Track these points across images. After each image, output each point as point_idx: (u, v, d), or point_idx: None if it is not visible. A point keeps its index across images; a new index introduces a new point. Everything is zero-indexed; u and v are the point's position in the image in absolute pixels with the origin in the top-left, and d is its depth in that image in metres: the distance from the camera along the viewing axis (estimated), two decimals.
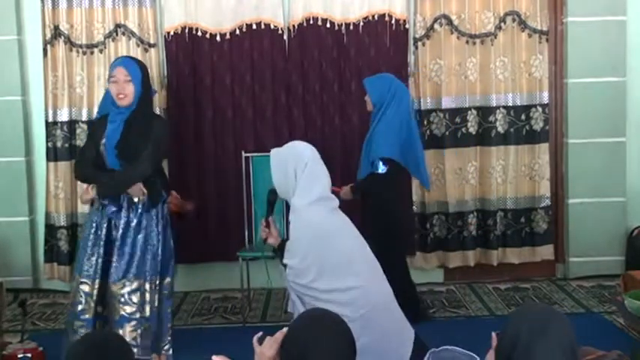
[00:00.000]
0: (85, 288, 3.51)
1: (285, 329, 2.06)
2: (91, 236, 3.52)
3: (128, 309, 3.48)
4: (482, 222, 5.36)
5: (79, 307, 3.51)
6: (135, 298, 3.50)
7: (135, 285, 3.50)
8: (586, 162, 5.34)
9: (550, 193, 5.38)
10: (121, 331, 3.42)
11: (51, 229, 5.28)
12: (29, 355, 3.59)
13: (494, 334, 1.92)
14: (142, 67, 3.55)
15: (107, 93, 3.61)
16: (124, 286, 3.48)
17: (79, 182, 4.41)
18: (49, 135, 5.23)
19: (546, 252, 5.40)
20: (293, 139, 5.18)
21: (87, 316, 3.49)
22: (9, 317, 4.60)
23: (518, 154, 5.34)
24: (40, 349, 3.66)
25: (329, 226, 2.97)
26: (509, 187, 5.34)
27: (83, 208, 4.97)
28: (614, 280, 5.04)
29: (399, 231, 4.40)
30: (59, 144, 5.21)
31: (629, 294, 3.95)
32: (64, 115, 5.21)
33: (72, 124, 5.22)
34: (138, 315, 3.51)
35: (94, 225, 3.52)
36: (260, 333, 2.17)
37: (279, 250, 3.13)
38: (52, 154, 5.23)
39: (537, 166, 5.35)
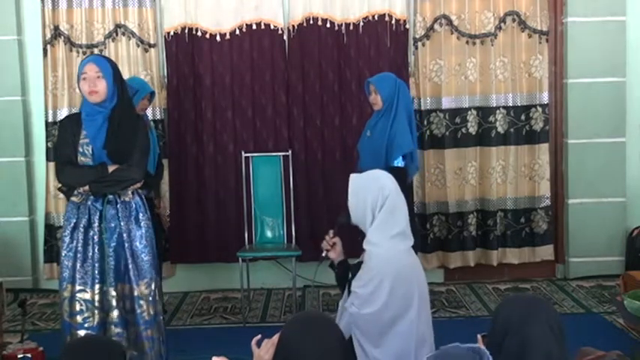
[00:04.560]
0: (85, 295, 3.28)
1: None
2: (80, 236, 3.36)
3: (153, 309, 3.35)
4: (482, 222, 5.36)
5: (80, 318, 3.26)
6: (153, 297, 3.43)
7: (152, 283, 3.43)
8: (586, 162, 5.34)
9: (550, 194, 5.38)
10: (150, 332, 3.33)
11: (51, 229, 5.28)
12: (29, 355, 3.58)
13: (479, 336, 2.03)
14: (112, 63, 3.47)
15: (84, 98, 3.51)
16: (148, 285, 3.34)
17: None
18: (49, 135, 5.23)
19: (546, 252, 5.40)
20: (293, 139, 5.23)
21: (91, 324, 3.28)
22: (9, 317, 4.60)
23: (518, 155, 5.34)
24: (40, 349, 3.65)
25: (404, 268, 2.98)
26: (509, 187, 5.35)
27: None
28: (614, 280, 5.04)
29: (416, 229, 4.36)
30: None
31: (628, 294, 3.95)
32: (63, 115, 5.17)
33: None
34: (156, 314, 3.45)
35: (82, 226, 3.36)
36: (259, 336, 2.17)
37: (340, 267, 3.14)
38: (52, 154, 5.23)
39: (537, 167, 5.35)
